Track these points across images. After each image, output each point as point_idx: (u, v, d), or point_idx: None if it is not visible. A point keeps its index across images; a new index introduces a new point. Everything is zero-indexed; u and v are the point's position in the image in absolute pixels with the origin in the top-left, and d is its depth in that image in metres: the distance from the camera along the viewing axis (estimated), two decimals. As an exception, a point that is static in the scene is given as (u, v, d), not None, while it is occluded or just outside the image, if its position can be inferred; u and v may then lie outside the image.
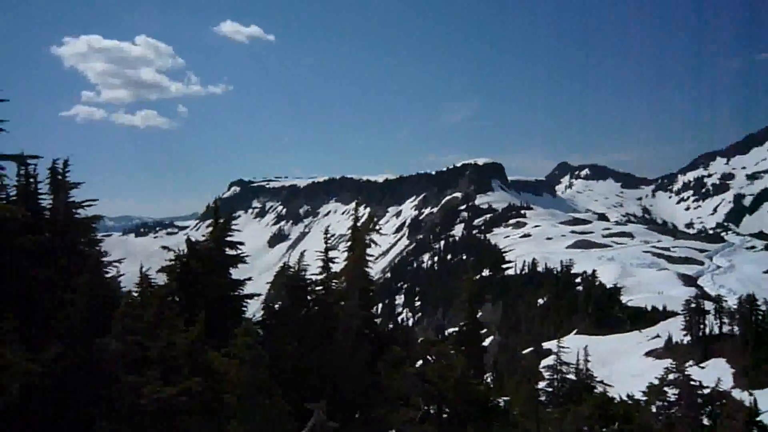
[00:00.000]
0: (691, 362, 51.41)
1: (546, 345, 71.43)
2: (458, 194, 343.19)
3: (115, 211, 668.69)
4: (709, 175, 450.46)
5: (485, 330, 74.14)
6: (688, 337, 65.36)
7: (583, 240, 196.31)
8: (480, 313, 43.61)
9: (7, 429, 13.05)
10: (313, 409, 13.11)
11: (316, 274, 23.49)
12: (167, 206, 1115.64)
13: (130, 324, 14.48)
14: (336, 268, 24.51)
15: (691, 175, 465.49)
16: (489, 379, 44.76)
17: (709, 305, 69.11)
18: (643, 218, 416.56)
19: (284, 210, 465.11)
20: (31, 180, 18.48)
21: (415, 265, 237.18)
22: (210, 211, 24.10)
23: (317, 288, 23.22)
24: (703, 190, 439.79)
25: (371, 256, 25.60)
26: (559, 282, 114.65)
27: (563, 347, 42.19)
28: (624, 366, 64.15)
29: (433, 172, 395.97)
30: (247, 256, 22.93)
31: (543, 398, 38.30)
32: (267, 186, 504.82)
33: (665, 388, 27.38)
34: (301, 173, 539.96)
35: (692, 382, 27.68)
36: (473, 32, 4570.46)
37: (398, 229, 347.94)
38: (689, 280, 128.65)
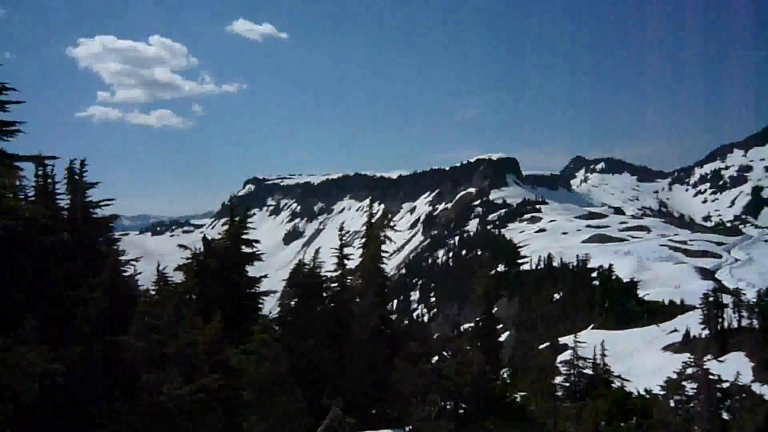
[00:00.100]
0: (709, 356, 50.92)
1: (562, 340, 70.90)
2: (472, 190, 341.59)
3: (131, 210, 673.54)
4: (727, 168, 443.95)
5: (501, 325, 73.72)
6: (707, 331, 64.77)
7: (599, 234, 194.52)
8: (496, 309, 43.52)
9: (28, 427, 13.20)
10: (330, 405, 13.18)
11: (332, 271, 23.57)
12: (183, 205, 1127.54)
13: (149, 322, 14.63)
14: (351, 264, 24.61)
15: (708, 168, 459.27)
16: (505, 375, 44.59)
17: (727, 299, 68.48)
18: (660, 212, 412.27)
19: (299, 207, 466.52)
20: (49, 180, 18.70)
21: (430, 261, 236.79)
22: (225, 209, 24.28)
23: (333, 285, 23.30)
24: (721, 183, 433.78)
25: (386, 252, 25.68)
26: (575, 277, 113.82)
27: (580, 342, 41.87)
28: (642, 361, 63.72)
29: (447, 168, 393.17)
30: (262, 253, 23.06)
31: (560, 393, 38.09)
32: (281, 183, 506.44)
33: (683, 383, 27.11)
34: (315, 170, 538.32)
35: (711, 377, 27.40)
36: (487, 28, 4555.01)
37: (413, 225, 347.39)
38: (707, 274, 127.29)
